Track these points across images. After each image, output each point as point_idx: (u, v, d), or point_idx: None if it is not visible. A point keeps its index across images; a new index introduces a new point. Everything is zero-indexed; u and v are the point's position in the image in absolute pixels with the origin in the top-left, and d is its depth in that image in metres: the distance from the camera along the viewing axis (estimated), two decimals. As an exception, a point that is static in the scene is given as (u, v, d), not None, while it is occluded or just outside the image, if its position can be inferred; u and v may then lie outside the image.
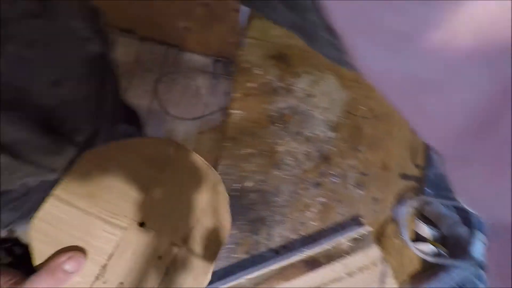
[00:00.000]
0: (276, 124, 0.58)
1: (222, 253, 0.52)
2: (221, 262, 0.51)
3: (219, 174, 0.56)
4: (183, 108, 1.52)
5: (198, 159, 0.35)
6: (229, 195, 0.52)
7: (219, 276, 0.50)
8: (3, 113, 0.27)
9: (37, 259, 0.30)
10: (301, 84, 0.60)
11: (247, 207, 0.54)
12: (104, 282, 0.32)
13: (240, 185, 0.55)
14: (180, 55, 1.58)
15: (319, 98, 0.60)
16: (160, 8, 1.29)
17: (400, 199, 0.59)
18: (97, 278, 0.32)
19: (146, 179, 0.34)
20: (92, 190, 0.33)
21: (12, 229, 0.38)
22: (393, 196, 0.59)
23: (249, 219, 0.53)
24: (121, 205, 0.33)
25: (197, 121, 1.50)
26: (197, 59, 1.56)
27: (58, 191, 0.33)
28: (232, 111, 0.58)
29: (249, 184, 0.55)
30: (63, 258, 0.30)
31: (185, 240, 0.34)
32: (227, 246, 0.52)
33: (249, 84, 0.60)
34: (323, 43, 0.21)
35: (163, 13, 1.30)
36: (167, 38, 1.44)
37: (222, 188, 0.35)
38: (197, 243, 0.34)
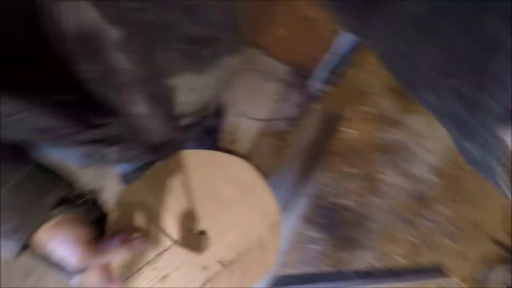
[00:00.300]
0: (383, 152, 0.59)
1: (307, 258, 0.53)
2: (305, 267, 0.53)
3: (319, 185, 0.58)
4: (251, 107, 1.56)
5: (272, 197, 0.37)
6: (324, 206, 0.53)
7: (299, 279, 0.52)
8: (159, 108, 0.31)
9: (112, 226, 0.34)
10: (415, 121, 0.61)
11: (340, 224, 0.55)
12: (154, 269, 0.35)
13: (337, 200, 0.56)
14: (262, 57, 1.63)
15: (430, 140, 0.61)
16: (263, 11, 1.35)
17: (489, 263, 0.57)
18: (149, 262, 0.35)
19: (221, 196, 0.37)
20: (175, 186, 0.37)
21: (98, 190, 0.41)
22: (480, 257, 0.58)
23: (339, 235, 0.55)
24: (193, 209, 0.37)
25: (261, 123, 1.54)
26: (277, 65, 1.61)
27: (148, 176, 0.37)
28: (344, 129, 0.59)
29: (346, 202, 0.56)
30: (134, 235, 0.33)
31: (231, 262, 0.36)
32: (313, 255, 0.54)
33: (363, 108, 0.61)
34: (479, 146, 0.20)
35: (264, 16, 1.36)
36: (256, 39, 1.50)
37: (278, 231, 0.37)
38: (239, 269, 0.36)
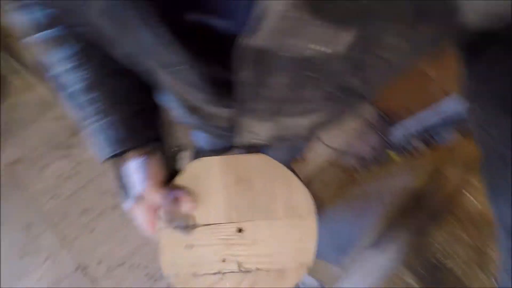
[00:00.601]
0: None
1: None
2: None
3: (430, 238, 0.59)
4: (328, 133, 1.58)
5: (315, 242, 0.38)
6: (429, 261, 0.54)
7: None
8: None
9: (176, 182, 0.38)
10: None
11: (440, 283, 0.56)
12: (186, 233, 0.37)
13: (444, 260, 0.57)
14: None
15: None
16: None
17: None
18: (186, 226, 0.37)
19: (272, 212, 0.38)
20: (239, 179, 0.38)
21: (183, 148, 0.46)
22: None
23: (435, 293, 0.55)
24: (243, 206, 0.38)
25: (333, 152, 1.55)
26: (366, 107, 1.62)
27: (221, 160, 0.39)
28: (467, 194, 0.60)
29: (452, 265, 0.57)
30: (189, 198, 0.37)
31: (247, 271, 0.37)
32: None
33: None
34: None
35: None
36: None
37: (303, 273, 0.37)
38: (250, 282, 0.36)
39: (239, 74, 0.25)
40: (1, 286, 1.23)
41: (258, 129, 0.36)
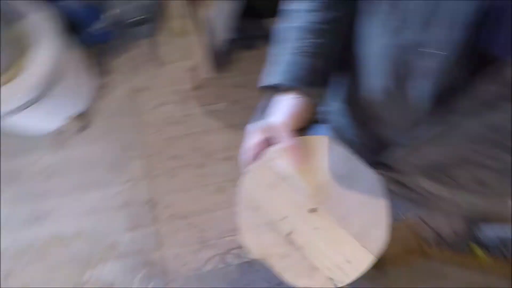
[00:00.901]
0: None
1: None
2: None
3: None
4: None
5: (363, 270, 0.36)
6: None
7: None
8: None
9: (302, 138, 0.40)
10: None
11: None
12: (276, 173, 0.39)
13: None
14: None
15: None
16: None
17: None
18: (279, 174, 0.39)
19: (352, 222, 0.37)
20: (347, 177, 0.39)
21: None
22: None
23: None
24: (332, 200, 0.38)
25: (414, 218, 1.50)
26: None
27: (348, 153, 0.39)
28: None
29: None
30: (301, 155, 0.38)
31: (297, 248, 0.37)
32: None
33: None
34: None
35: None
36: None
37: (332, 286, 0.36)
38: (287, 259, 0.37)
39: (475, 87, 0.25)
40: (81, 189, 1.36)
41: (418, 154, 0.36)
